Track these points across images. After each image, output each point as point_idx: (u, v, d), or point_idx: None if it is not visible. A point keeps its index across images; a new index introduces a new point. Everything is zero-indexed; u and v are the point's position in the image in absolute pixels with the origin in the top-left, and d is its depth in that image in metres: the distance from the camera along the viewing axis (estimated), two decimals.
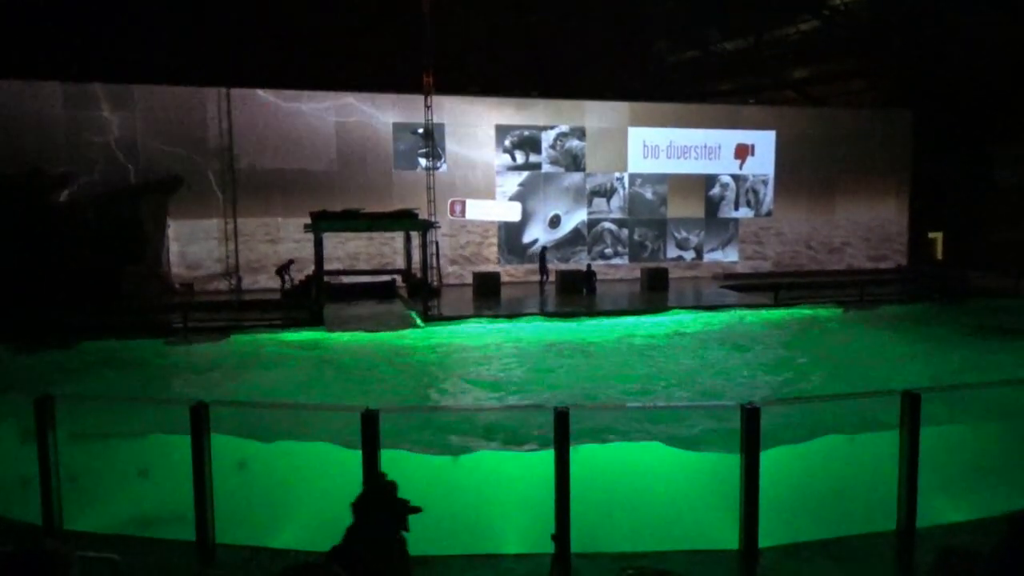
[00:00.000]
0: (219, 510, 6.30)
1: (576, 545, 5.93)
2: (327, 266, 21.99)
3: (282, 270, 23.60)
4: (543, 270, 26.42)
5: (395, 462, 6.43)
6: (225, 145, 25.00)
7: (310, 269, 21.84)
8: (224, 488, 6.35)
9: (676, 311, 21.11)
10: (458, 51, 27.35)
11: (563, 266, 27.65)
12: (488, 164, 28.04)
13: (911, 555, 6.31)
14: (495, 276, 24.76)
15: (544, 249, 27.44)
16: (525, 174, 28.48)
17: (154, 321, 19.53)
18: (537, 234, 28.69)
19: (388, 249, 26.76)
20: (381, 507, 4.61)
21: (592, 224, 29.25)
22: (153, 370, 15.37)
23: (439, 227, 24.54)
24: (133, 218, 23.08)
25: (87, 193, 23.42)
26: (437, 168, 26.22)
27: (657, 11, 30.82)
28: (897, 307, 22.73)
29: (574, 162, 28.97)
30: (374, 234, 25.85)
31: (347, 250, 26.27)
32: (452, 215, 27.36)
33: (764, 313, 21.42)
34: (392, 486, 4.90)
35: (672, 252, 30.15)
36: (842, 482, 6.94)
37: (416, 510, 4.76)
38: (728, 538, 6.28)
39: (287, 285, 23.23)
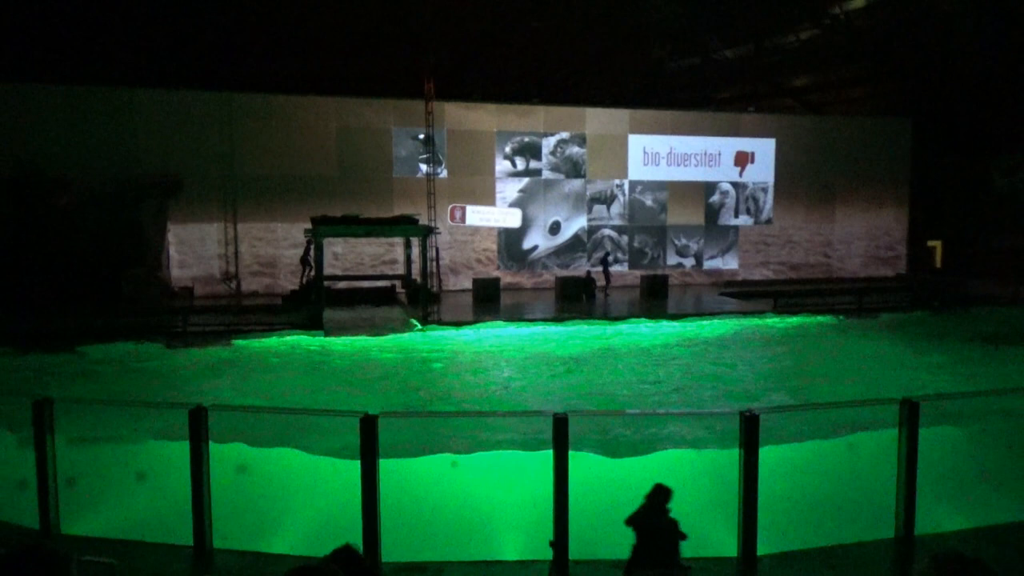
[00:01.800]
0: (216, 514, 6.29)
1: (574, 552, 5.93)
2: (329, 271, 21.98)
3: (305, 256, 23.30)
4: (607, 276, 26.11)
5: (393, 468, 6.43)
6: (226, 149, 25.03)
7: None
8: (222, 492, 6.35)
9: (675, 318, 21.13)
10: (459, 57, 27.41)
11: (562, 272, 27.77)
12: (488, 170, 28.09)
13: (910, 563, 6.30)
14: (495, 282, 24.79)
15: (607, 254, 27.34)
16: (525, 180, 28.52)
17: (154, 324, 19.53)
18: (537, 240, 28.71)
19: (393, 254, 26.81)
20: (659, 521, 4.47)
21: (592, 231, 29.27)
22: (152, 373, 15.35)
23: (439, 232, 24.56)
24: (134, 221, 23.10)
25: (88, 196, 23.44)
26: (437, 174, 26.26)
27: (657, 18, 30.87)
28: (896, 315, 22.75)
29: (574, 169, 29.02)
30: (378, 239, 25.87)
31: (352, 255, 26.30)
32: (452, 221, 27.38)
33: (763, 321, 21.42)
34: (661, 494, 4.76)
35: (672, 259, 30.17)
36: (836, 488, 6.94)
37: (682, 536, 4.65)
38: (727, 543, 6.28)
39: (307, 275, 22.95)
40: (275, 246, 25.99)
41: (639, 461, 8.29)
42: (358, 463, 6.05)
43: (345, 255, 25.89)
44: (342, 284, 23.88)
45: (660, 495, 4.84)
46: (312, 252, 22.78)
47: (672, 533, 4.69)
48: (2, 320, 18.35)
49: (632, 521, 4.68)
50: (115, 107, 24.28)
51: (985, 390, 10.77)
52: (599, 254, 29.08)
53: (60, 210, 22.55)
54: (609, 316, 21.41)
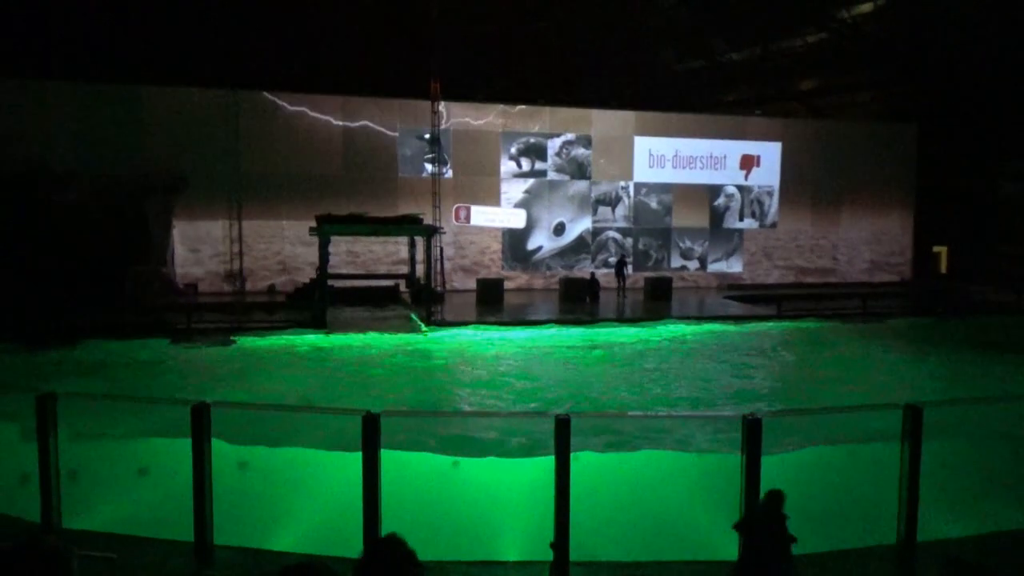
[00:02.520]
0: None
1: (575, 553, 5.92)
2: (341, 268, 21.94)
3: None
4: (621, 278, 26.01)
5: (393, 465, 6.43)
6: (232, 147, 25.08)
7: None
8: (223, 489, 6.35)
9: (677, 321, 21.10)
10: (465, 58, 27.42)
11: (567, 274, 27.75)
12: (493, 171, 28.09)
13: (912, 569, 6.28)
14: (498, 283, 24.78)
15: (623, 258, 27.32)
16: (530, 181, 28.51)
17: (158, 322, 19.55)
18: (541, 241, 28.70)
19: (402, 252, 26.83)
20: (770, 527, 4.35)
21: (597, 232, 29.25)
22: (156, 371, 15.38)
23: (444, 232, 24.56)
24: (138, 219, 23.12)
25: (93, 193, 23.46)
26: (443, 174, 26.26)
27: (664, 20, 30.87)
28: (900, 321, 22.67)
29: (579, 170, 29.00)
30: (383, 239, 25.87)
31: (362, 252, 26.34)
32: (457, 221, 27.39)
33: (767, 325, 21.37)
34: (777, 499, 4.63)
35: (676, 262, 30.13)
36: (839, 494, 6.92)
37: (792, 540, 4.53)
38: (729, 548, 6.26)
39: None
40: (283, 243, 26.02)
41: (629, 460, 8.28)
42: (347, 457, 6.05)
43: (355, 252, 25.99)
44: (346, 283, 23.90)
45: (775, 500, 4.71)
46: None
47: (785, 538, 4.56)
48: (6, 315, 18.39)
49: (741, 526, 4.56)
50: (122, 104, 24.33)
51: (986, 397, 10.74)
52: (606, 257, 29.05)
53: (66, 206, 22.58)
54: (609, 318, 21.38)
